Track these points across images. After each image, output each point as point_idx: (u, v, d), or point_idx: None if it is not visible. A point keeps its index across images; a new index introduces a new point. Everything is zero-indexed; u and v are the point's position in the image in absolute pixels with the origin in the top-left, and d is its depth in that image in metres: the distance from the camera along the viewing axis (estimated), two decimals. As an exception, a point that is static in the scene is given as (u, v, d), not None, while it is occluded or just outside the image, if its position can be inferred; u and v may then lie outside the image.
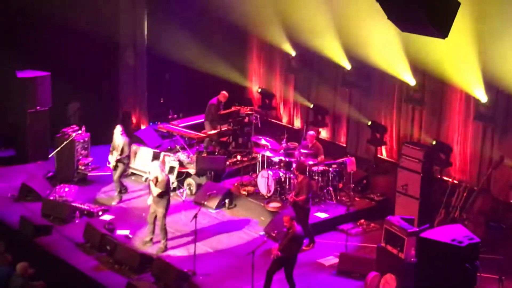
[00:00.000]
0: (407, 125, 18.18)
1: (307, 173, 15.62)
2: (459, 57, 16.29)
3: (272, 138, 18.14)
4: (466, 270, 10.53)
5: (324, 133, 20.20)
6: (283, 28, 20.43)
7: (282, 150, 17.36)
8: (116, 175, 16.92)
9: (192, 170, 17.66)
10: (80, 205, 16.35)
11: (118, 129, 16.84)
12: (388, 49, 17.64)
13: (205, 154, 18.57)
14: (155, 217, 14.79)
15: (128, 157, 17.06)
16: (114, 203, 16.92)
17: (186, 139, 18.92)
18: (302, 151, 16.99)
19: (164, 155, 17.60)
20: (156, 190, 14.55)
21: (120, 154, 16.75)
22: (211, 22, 20.84)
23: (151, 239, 14.99)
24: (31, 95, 18.80)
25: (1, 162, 18.92)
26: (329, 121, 20.13)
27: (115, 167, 16.85)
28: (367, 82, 18.95)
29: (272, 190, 16.64)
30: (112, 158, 16.79)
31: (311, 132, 17.54)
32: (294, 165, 16.54)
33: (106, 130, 17.82)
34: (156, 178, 14.52)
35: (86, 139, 18.17)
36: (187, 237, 15.26)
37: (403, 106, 18.25)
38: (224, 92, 19.18)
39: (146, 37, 20.79)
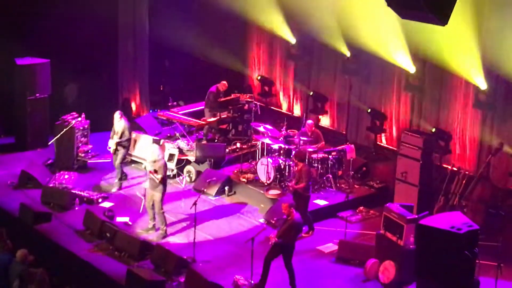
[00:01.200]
0: (406, 113, 18.20)
1: (306, 160, 15.64)
2: (459, 45, 16.29)
3: (271, 125, 18.16)
4: (465, 257, 10.54)
5: (323, 121, 20.20)
6: (283, 16, 20.39)
7: (281, 138, 17.37)
8: (117, 160, 16.90)
9: (191, 157, 17.69)
10: (80, 192, 16.37)
11: (116, 115, 16.83)
12: (388, 37, 17.63)
13: (205, 142, 18.58)
14: (152, 202, 14.82)
15: (129, 140, 17.04)
16: (114, 190, 16.94)
17: (185, 126, 18.95)
18: (302, 138, 17.00)
19: (164, 141, 17.61)
20: (155, 177, 14.58)
21: (120, 138, 16.75)
22: (211, 9, 20.80)
23: (153, 226, 15.02)
24: (30, 83, 18.78)
25: (0, 149, 18.92)
26: (328, 109, 20.13)
27: (116, 151, 16.84)
28: (367, 69, 18.94)
29: (272, 177, 16.66)
30: (112, 142, 16.78)
31: (310, 121, 17.57)
32: (293, 152, 16.58)
33: (106, 117, 17.81)
34: (155, 171, 14.55)
35: (86, 126, 18.16)
36: (187, 224, 15.30)
37: (403, 93, 18.26)
38: (224, 82, 19.18)
39: (146, 24, 20.75)
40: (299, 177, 14.84)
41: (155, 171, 14.56)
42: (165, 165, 14.83)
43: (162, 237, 14.79)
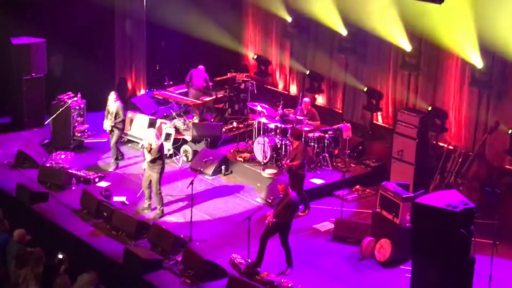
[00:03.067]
0: (403, 91, 18.19)
1: (302, 139, 15.65)
2: (455, 23, 16.26)
3: (268, 104, 18.15)
4: (461, 235, 10.57)
5: (320, 100, 20.20)
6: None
7: (278, 117, 17.37)
8: (112, 141, 16.93)
9: (188, 137, 17.69)
10: (76, 172, 16.38)
11: (112, 96, 16.81)
12: (385, 15, 17.59)
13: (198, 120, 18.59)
14: (150, 182, 14.84)
15: (123, 121, 17.03)
16: (110, 169, 16.96)
17: (182, 105, 18.94)
18: (298, 117, 17.00)
19: (161, 123, 17.61)
20: (148, 156, 14.60)
21: (115, 119, 16.74)
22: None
23: (149, 205, 15.04)
24: (26, 62, 18.73)
25: (-4, 129, 18.94)
26: (325, 88, 20.11)
27: (111, 132, 16.86)
28: (363, 48, 18.90)
29: (268, 157, 16.67)
30: (107, 123, 16.79)
31: (306, 99, 17.57)
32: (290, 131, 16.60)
33: (102, 97, 17.77)
34: (150, 145, 14.55)
35: (82, 106, 18.16)
36: (184, 203, 15.32)
37: (399, 72, 18.24)
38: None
39: (142, 4, 20.66)
40: (294, 155, 14.85)
41: (149, 151, 14.56)
42: (162, 147, 14.82)
43: (159, 216, 14.82)
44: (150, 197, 15.00)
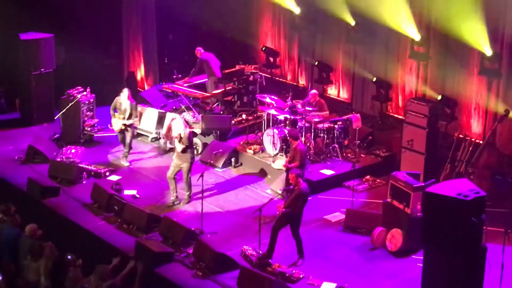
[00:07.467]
0: (412, 81, 18.14)
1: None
2: (463, 11, 16.19)
3: (277, 96, 18.12)
4: (472, 223, 10.55)
5: (329, 90, 20.16)
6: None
7: (287, 108, 17.34)
8: (127, 138, 16.78)
9: (197, 129, 17.70)
10: (87, 166, 16.41)
11: (125, 93, 16.71)
12: (393, 4, 17.53)
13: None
14: (176, 173, 14.92)
15: (136, 119, 16.97)
16: (126, 164, 16.88)
17: (191, 98, 18.94)
18: (307, 108, 16.99)
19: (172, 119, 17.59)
20: (180, 146, 14.67)
21: (128, 119, 16.68)
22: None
23: (176, 197, 15.13)
24: (35, 58, 18.76)
25: (6, 124, 18.96)
26: (333, 78, 20.08)
27: (125, 130, 16.74)
28: (372, 38, 18.84)
29: (278, 148, 16.66)
30: (118, 122, 16.68)
31: (313, 91, 17.54)
32: (299, 123, 16.59)
33: (111, 91, 17.79)
34: (180, 135, 14.63)
35: (91, 100, 18.18)
36: (194, 196, 15.32)
37: (408, 61, 18.18)
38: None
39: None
40: (293, 155, 14.79)
41: (180, 139, 14.63)
42: (190, 136, 14.89)
43: (186, 202, 15.04)
44: (176, 189, 15.04)
